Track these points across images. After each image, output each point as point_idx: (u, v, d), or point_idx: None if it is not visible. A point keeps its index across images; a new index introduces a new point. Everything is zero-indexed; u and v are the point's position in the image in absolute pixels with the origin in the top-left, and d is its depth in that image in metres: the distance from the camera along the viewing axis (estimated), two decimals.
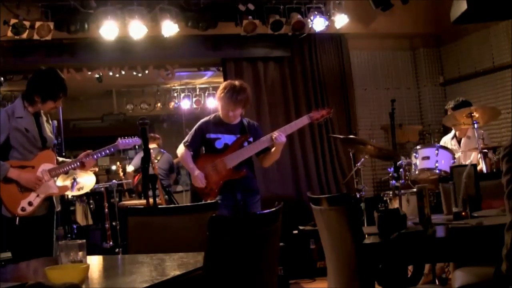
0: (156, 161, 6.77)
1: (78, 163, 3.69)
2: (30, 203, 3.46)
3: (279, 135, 3.98)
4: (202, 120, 4.18)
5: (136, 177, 7.16)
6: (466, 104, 4.93)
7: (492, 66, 6.32)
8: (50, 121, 3.80)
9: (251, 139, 4.07)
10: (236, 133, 4.07)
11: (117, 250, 5.71)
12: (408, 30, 6.90)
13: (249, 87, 4.16)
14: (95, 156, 3.73)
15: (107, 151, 3.85)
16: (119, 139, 4.02)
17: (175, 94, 9.43)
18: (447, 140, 5.21)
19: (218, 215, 2.78)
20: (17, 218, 3.42)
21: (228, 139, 4.04)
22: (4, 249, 4.05)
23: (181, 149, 4.15)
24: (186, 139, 4.17)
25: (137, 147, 4.18)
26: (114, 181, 6.28)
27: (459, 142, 5.10)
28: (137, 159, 7.39)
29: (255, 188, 4.12)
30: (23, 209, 3.43)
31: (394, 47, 7.13)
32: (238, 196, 3.96)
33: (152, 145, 7.02)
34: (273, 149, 4.05)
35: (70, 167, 3.70)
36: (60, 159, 3.81)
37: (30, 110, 3.54)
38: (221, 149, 4.03)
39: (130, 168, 7.35)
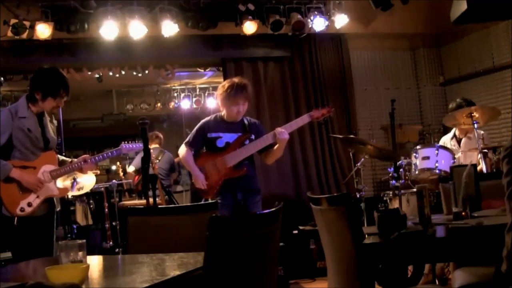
0: (157, 161, 6.77)
1: (77, 165, 3.69)
2: (29, 204, 3.46)
3: (282, 132, 3.97)
4: (203, 120, 4.19)
5: (137, 177, 7.16)
6: (470, 104, 4.92)
7: (492, 66, 6.32)
8: (54, 121, 3.80)
9: (252, 137, 4.06)
10: (238, 131, 4.06)
11: (117, 250, 5.71)
12: (408, 30, 6.90)
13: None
14: (93, 160, 3.73)
15: (110, 154, 3.86)
16: (122, 143, 4.03)
17: (175, 94, 9.44)
18: (446, 140, 5.20)
19: (218, 215, 2.78)
20: (16, 218, 3.42)
21: (229, 137, 4.04)
22: (4, 249, 4.06)
23: (182, 150, 4.15)
24: (187, 138, 4.18)
25: None
26: (114, 181, 6.29)
27: (458, 142, 5.09)
28: (138, 160, 7.37)
29: (256, 188, 4.11)
30: (22, 210, 3.43)
31: (394, 47, 7.13)
32: (238, 196, 3.95)
33: (153, 145, 7.01)
34: (275, 147, 4.04)
35: (69, 168, 3.70)
36: (61, 157, 3.81)
37: (33, 110, 3.54)
38: (223, 148, 4.03)
39: (130, 169, 7.35)
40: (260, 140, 4.02)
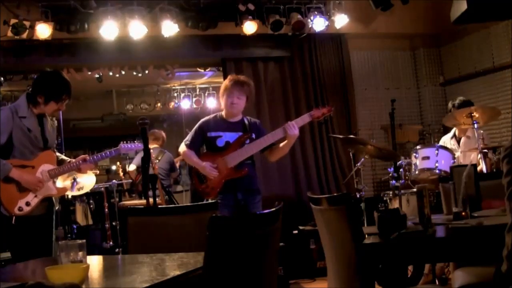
0: (157, 161, 6.76)
1: (76, 164, 3.69)
2: (27, 203, 3.46)
3: (293, 126, 3.93)
4: (203, 119, 4.17)
5: (138, 176, 7.16)
6: (468, 103, 4.94)
7: (492, 66, 6.32)
8: (54, 120, 3.80)
9: (253, 137, 4.03)
10: (238, 131, 4.03)
11: (117, 250, 5.71)
12: (408, 30, 6.90)
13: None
14: (92, 159, 3.73)
15: (109, 154, 3.85)
16: (121, 143, 4.03)
17: (175, 94, 9.44)
18: (446, 140, 5.21)
19: (218, 215, 2.78)
20: (14, 217, 3.42)
21: (229, 137, 4.01)
22: (4, 248, 4.06)
23: (182, 148, 4.15)
24: (187, 138, 4.16)
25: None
26: (114, 181, 6.29)
27: (458, 141, 5.10)
28: (138, 158, 7.38)
29: (257, 188, 4.08)
30: (20, 209, 3.43)
31: (394, 47, 7.13)
32: (239, 196, 3.93)
33: (153, 145, 7.01)
34: (283, 143, 4.00)
35: (68, 167, 3.70)
36: (60, 156, 3.81)
37: (34, 111, 3.55)
38: (223, 147, 4.00)
39: (132, 167, 7.35)
40: (269, 136, 3.98)
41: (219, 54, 6.47)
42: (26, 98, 3.56)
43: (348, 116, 6.70)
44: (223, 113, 4.11)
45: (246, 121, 4.11)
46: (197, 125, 4.15)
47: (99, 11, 5.43)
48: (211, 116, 4.18)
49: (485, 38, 6.40)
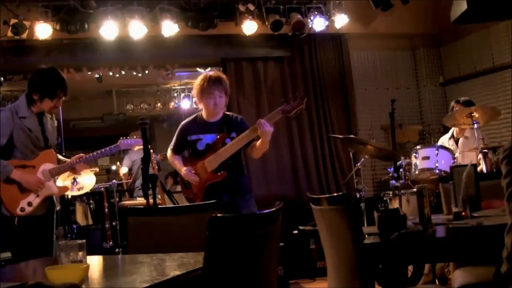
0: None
1: (75, 161, 3.69)
2: (29, 204, 3.46)
3: (264, 123, 3.71)
4: (183, 122, 4.05)
5: (129, 178, 7.18)
6: (471, 103, 4.94)
7: (492, 66, 6.32)
8: (55, 120, 3.80)
9: (233, 135, 3.87)
10: (216, 132, 3.89)
11: (117, 250, 5.71)
12: (408, 30, 6.90)
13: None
14: (92, 156, 3.73)
15: (109, 151, 3.84)
16: (121, 139, 4.01)
17: (175, 94, 9.45)
18: (444, 140, 5.20)
19: (218, 215, 2.77)
20: (16, 218, 3.42)
21: (209, 138, 3.87)
22: (4, 248, 4.06)
23: (168, 153, 4.10)
24: (172, 143, 4.09)
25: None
26: (114, 181, 6.28)
27: (456, 142, 5.10)
28: (128, 160, 7.39)
29: (244, 188, 3.94)
30: (22, 210, 3.43)
31: (394, 47, 7.13)
32: (224, 198, 3.80)
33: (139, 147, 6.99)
34: (259, 141, 3.81)
35: (68, 165, 3.70)
36: (60, 157, 3.81)
37: (33, 110, 3.55)
38: (203, 151, 3.88)
39: (124, 170, 7.35)
40: (243, 136, 3.79)
41: (219, 54, 6.47)
42: (26, 98, 3.56)
43: (348, 116, 6.70)
44: (203, 113, 3.97)
45: (226, 118, 3.95)
46: (178, 129, 4.04)
47: (99, 11, 5.43)
48: (191, 118, 4.04)
49: (485, 38, 6.40)
